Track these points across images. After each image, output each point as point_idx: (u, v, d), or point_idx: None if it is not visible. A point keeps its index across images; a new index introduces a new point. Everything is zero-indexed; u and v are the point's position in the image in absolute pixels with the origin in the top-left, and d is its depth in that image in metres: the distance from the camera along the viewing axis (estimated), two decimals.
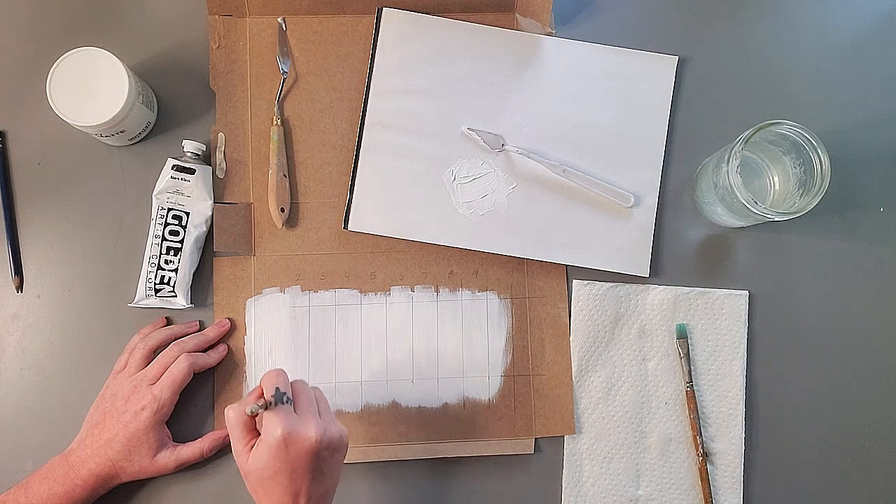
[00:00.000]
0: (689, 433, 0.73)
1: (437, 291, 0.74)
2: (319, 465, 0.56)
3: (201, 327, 0.72)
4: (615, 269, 0.74)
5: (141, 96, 0.70)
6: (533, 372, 0.74)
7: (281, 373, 0.58)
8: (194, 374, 0.68)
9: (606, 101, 0.76)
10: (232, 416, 0.57)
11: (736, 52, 0.78)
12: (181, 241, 0.71)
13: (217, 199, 0.73)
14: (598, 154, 0.75)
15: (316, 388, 0.61)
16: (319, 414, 0.57)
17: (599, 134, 0.76)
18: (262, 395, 0.57)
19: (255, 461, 0.55)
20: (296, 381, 0.59)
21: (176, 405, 0.67)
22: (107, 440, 0.65)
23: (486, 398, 0.73)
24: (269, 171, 0.73)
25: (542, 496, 0.73)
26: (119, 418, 0.65)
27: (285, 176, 0.74)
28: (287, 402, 0.56)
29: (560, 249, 0.74)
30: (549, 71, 0.76)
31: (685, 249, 0.76)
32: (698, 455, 0.72)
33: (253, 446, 0.56)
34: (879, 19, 0.80)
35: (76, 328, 0.72)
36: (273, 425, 0.54)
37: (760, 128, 0.66)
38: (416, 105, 0.75)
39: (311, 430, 0.55)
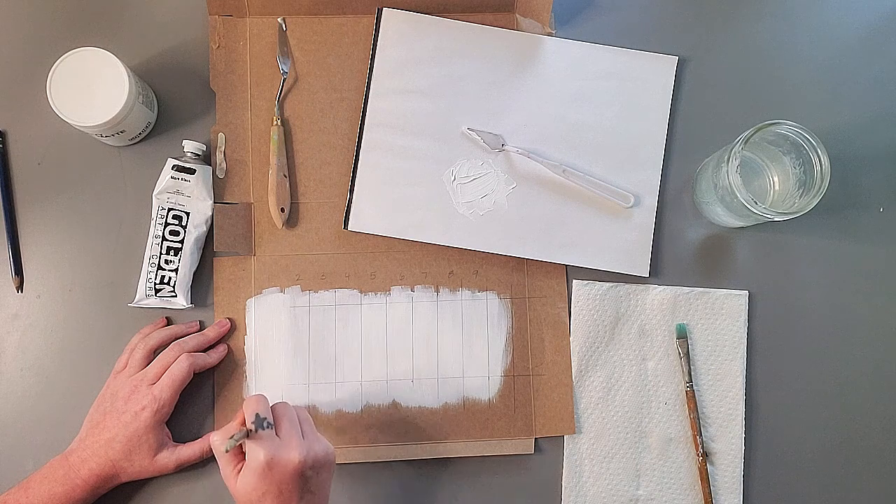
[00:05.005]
0: (689, 433, 0.73)
1: (437, 291, 0.74)
2: (306, 484, 0.57)
3: (201, 327, 0.72)
4: (615, 269, 0.74)
5: (141, 96, 0.70)
6: (533, 372, 0.74)
7: (261, 398, 0.59)
8: (194, 374, 0.68)
9: (606, 101, 0.76)
10: (217, 442, 0.58)
11: (736, 52, 0.78)
12: (181, 241, 0.71)
13: (217, 199, 0.73)
14: (598, 154, 0.76)
15: (299, 407, 0.62)
16: (303, 434, 0.59)
17: (599, 134, 0.76)
18: (244, 422, 0.58)
19: (242, 485, 0.56)
20: (277, 403, 0.60)
21: (176, 405, 0.67)
22: (107, 440, 0.65)
23: (486, 398, 0.73)
24: (269, 171, 0.73)
25: (542, 496, 0.73)
26: (119, 418, 0.65)
27: (285, 176, 0.74)
28: (268, 426, 0.57)
29: (560, 249, 0.74)
30: (549, 71, 0.76)
31: (685, 249, 0.76)
32: (698, 455, 0.72)
33: (240, 470, 0.57)
34: (879, 19, 0.80)
35: (76, 328, 0.72)
36: (256, 451, 0.56)
37: (760, 128, 0.66)
38: (416, 105, 0.75)
39: (293, 452, 0.56)
